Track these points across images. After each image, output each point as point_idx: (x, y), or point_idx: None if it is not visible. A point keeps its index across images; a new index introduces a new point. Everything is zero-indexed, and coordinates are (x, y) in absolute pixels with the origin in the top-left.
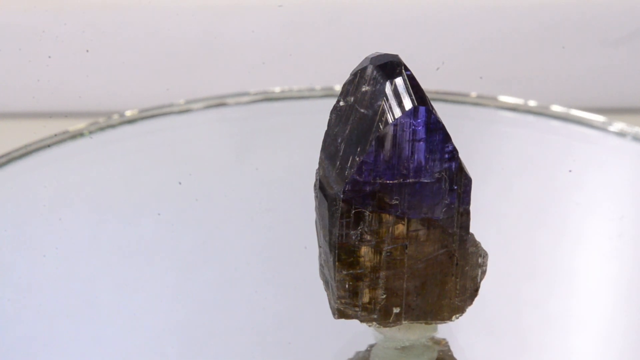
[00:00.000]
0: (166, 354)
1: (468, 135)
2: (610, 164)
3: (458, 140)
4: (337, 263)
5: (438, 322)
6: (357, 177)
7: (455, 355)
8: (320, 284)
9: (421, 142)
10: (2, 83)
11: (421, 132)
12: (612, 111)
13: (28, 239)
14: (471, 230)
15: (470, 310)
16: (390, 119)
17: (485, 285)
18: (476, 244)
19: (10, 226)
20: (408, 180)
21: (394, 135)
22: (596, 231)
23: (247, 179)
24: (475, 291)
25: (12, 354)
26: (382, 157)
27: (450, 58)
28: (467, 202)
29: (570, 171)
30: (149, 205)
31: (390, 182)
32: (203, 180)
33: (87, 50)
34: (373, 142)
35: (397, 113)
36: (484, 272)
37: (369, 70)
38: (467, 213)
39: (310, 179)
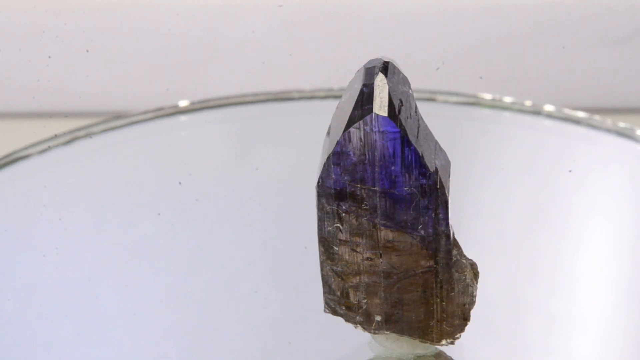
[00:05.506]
0: (166, 354)
1: (468, 135)
2: (610, 164)
3: (459, 140)
4: (321, 256)
5: (426, 341)
6: (325, 174)
7: (454, 354)
8: (319, 284)
9: (383, 150)
10: (2, 83)
11: (380, 140)
12: (612, 111)
13: (28, 239)
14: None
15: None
16: (354, 122)
17: (485, 285)
18: (464, 271)
19: (11, 226)
20: (376, 188)
21: (359, 138)
22: (596, 231)
23: (247, 179)
24: (464, 320)
25: (12, 354)
26: (348, 158)
27: (450, 58)
28: (446, 224)
29: (570, 171)
30: (149, 205)
31: (359, 186)
32: (203, 180)
33: (87, 50)
34: (340, 141)
35: (361, 117)
36: (473, 302)
37: (361, 71)
38: (447, 236)
39: (311, 178)
